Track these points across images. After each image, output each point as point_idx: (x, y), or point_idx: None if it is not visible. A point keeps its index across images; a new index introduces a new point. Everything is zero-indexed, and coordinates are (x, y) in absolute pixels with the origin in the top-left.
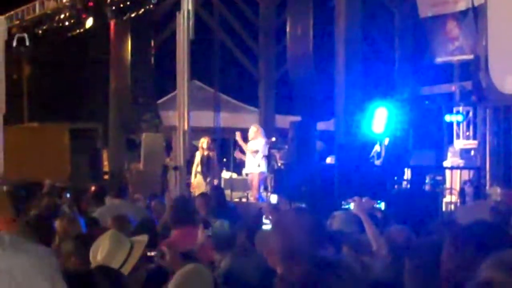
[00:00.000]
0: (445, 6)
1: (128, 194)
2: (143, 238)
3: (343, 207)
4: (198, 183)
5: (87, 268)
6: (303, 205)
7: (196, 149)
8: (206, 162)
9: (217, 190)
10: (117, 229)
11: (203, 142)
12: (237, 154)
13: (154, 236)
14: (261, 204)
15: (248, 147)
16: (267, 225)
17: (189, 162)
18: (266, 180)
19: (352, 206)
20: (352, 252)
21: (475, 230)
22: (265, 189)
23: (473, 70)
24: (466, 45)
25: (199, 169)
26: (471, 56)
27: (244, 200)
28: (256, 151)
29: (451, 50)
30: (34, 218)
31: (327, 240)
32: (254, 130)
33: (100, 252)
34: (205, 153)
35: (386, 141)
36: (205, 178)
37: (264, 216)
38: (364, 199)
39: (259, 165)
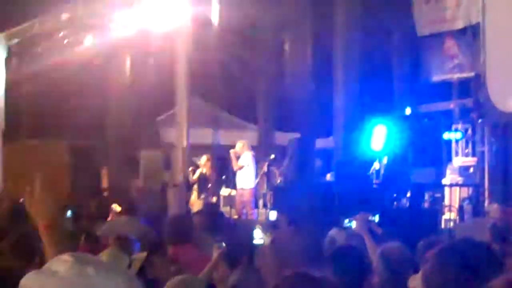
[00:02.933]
0: (443, 24)
1: (136, 211)
2: (142, 254)
3: (345, 225)
4: (193, 200)
5: None
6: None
7: (195, 165)
8: (202, 180)
9: (211, 208)
10: (118, 249)
11: (203, 159)
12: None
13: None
14: (259, 221)
15: (236, 163)
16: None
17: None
18: (265, 197)
19: (354, 224)
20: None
21: (459, 248)
22: (264, 206)
23: (473, 87)
24: (466, 62)
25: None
26: (471, 74)
27: (242, 217)
28: (242, 166)
29: (450, 68)
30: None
31: (323, 259)
32: (240, 146)
33: None
34: (203, 170)
35: (385, 160)
36: (199, 195)
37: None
38: (360, 214)
39: (249, 180)
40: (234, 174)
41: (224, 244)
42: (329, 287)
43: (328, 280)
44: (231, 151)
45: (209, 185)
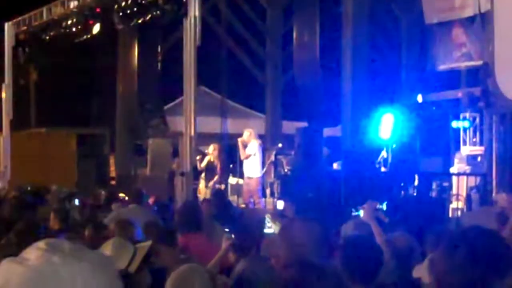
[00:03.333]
0: (451, 13)
1: (143, 200)
2: (147, 243)
3: (352, 214)
4: (201, 188)
5: None
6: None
7: (203, 154)
8: (209, 168)
9: (218, 196)
10: (119, 233)
11: (210, 148)
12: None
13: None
14: (266, 210)
15: (244, 152)
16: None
17: (195, 167)
18: (272, 186)
19: (361, 213)
20: None
21: (468, 235)
22: (272, 195)
23: (482, 76)
24: (474, 51)
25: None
26: (479, 62)
27: (249, 206)
28: (249, 155)
29: (458, 57)
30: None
31: (332, 249)
32: (247, 135)
33: None
34: (210, 159)
35: (393, 148)
36: (206, 183)
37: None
38: (367, 202)
39: (256, 169)
40: (241, 162)
41: (232, 235)
42: (333, 277)
43: (332, 270)
44: (239, 139)
45: (217, 173)
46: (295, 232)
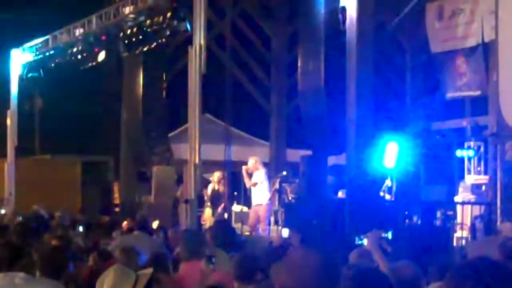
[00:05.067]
0: (455, 42)
1: (148, 227)
2: (149, 270)
3: (356, 242)
4: (207, 216)
5: None
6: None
7: (208, 182)
8: (215, 196)
9: (222, 224)
10: (124, 261)
11: (215, 175)
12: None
13: (166, 270)
14: (271, 238)
15: (249, 181)
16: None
17: (200, 195)
18: (277, 214)
19: (365, 242)
20: None
21: (477, 266)
22: (276, 222)
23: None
24: (473, 81)
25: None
26: (477, 92)
27: (254, 233)
28: (256, 183)
29: (460, 86)
30: (48, 250)
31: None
32: (252, 163)
33: (105, 285)
34: (215, 187)
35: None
36: (213, 211)
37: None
38: (372, 231)
39: (264, 196)
40: (246, 190)
41: (235, 260)
42: None
43: None
44: (243, 167)
45: (223, 201)
46: (299, 261)
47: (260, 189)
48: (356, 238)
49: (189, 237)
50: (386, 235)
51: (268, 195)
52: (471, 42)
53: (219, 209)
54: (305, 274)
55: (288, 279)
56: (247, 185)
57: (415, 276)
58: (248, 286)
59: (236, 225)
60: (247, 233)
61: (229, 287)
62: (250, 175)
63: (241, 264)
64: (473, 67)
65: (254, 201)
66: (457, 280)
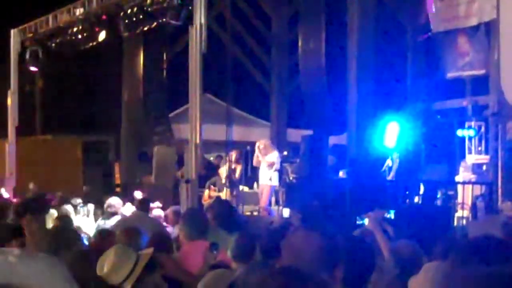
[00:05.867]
0: (456, 21)
1: (149, 207)
2: (149, 250)
3: (357, 222)
4: (210, 196)
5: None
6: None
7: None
8: (229, 175)
9: (223, 203)
10: (125, 241)
11: (232, 156)
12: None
13: (167, 250)
14: (271, 218)
15: (265, 160)
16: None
17: (205, 176)
18: (278, 194)
19: (366, 221)
20: None
21: (480, 244)
22: (277, 203)
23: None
24: (476, 60)
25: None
26: (482, 71)
27: (255, 213)
28: (272, 164)
29: (462, 65)
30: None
31: (338, 261)
32: (267, 144)
33: (106, 265)
34: (232, 166)
35: (396, 156)
36: (231, 191)
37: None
38: (375, 210)
39: (270, 178)
40: (247, 171)
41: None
42: (318, 285)
43: (318, 279)
44: (258, 145)
45: (236, 181)
46: (298, 242)
47: (271, 171)
48: (358, 218)
49: (192, 217)
50: (387, 215)
51: (276, 176)
52: (473, 21)
53: (235, 191)
54: (305, 254)
55: (289, 259)
56: (261, 164)
57: (416, 255)
58: (243, 265)
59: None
60: (248, 213)
61: (231, 267)
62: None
63: (240, 244)
64: (476, 46)
65: (263, 180)
66: (461, 259)
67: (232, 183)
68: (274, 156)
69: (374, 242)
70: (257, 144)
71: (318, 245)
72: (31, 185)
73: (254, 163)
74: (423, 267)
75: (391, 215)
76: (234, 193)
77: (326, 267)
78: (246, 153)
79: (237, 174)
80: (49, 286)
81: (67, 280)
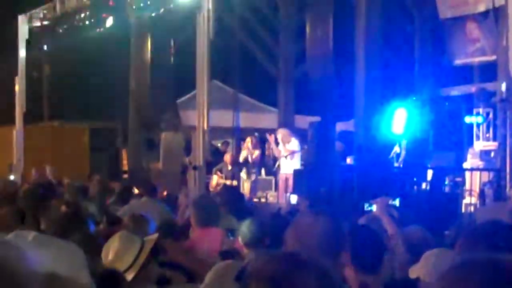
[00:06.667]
0: (465, 8)
1: (158, 193)
2: (154, 236)
3: (365, 209)
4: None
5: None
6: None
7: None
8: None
9: (231, 190)
10: (133, 227)
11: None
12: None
13: (176, 237)
14: (279, 205)
15: (286, 149)
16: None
17: (212, 163)
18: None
19: (374, 208)
20: None
21: (489, 229)
22: (285, 189)
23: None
24: (487, 46)
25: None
26: (493, 57)
27: (263, 200)
28: (293, 152)
29: (472, 52)
30: (60, 216)
31: (343, 246)
32: (285, 133)
33: (111, 252)
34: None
35: (404, 143)
36: (249, 176)
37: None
38: (381, 197)
39: (295, 166)
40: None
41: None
42: (317, 270)
43: (319, 264)
44: (279, 136)
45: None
46: (304, 225)
47: (295, 159)
48: (365, 204)
49: (204, 203)
50: (394, 202)
51: (299, 163)
52: (481, 7)
53: (254, 174)
54: (311, 238)
55: (295, 243)
56: (282, 153)
57: (425, 240)
58: (253, 251)
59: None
60: (256, 200)
61: (243, 253)
62: (277, 145)
63: (249, 230)
64: (486, 32)
65: (284, 169)
66: (470, 244)
67: (250, 168)
68: (294, 144)
69: (381, 228)
70: (279, 135)
71: (323, 229)
72: (33, 171)
73: (276, 154)
74: (423, 255)
75: (396, 202)
76: (253, 178)
77: (331, 252)
78: (261, 139)
79: (254, 157)
80: (63, 270)
81: (81, 266)
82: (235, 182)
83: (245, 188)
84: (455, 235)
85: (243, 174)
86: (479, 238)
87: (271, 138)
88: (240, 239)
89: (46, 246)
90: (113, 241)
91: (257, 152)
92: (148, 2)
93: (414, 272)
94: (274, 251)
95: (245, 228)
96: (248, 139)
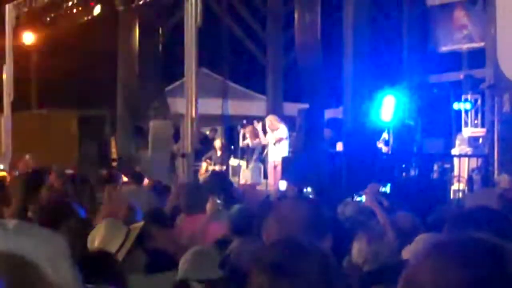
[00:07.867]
0: None
1: (143, 181)
2: (139, 223)
3: (355, 199)
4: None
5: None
6: (311, 193)
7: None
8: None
9: (218, 176)
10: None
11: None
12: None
13: (163, 225)
14: (267, 192)
15: (273, 137)
16: None
17: (201, 150)
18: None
19: (364, 198)
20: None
21: (475, 214)
22: (274, 176)
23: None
24: (475, 33)
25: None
26: (481, 44)
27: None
28: (281, 139)
29: (460, 38)
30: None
31: (326, 230)
32: (273, 120)
33: (97, 239)
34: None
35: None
36: (247, 163)
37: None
38: (370, 185)
39: (284, 153)
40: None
41: (231, 213)
42: (319, 256)
43: (319, 249)
44: (268, 122)
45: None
46: (286, 210)
47: (282, 145)
48: (354, 194)
49: (190, 191)
50: (384, 189)
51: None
52: None
53: (253, 161)
54: (292, 223)
55: (276, 230)
56: (270, 141)
57: (414, 226)
58: (239, 238)
59: (233, 179)
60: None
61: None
62: (265, 133)
63: (237, 217)
64: (474, 19)
65: (273, 157)
66: (456, 229)
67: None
68: (283, 130)
69: (370, 217)
70: (268, 123)
71: (305, 213)
72: (27, 157)
73: (263, 143)
74: (415, 239)
75: (387, 189)
76: (251, 165)
77: (314, 236)
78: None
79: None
80: (44, 259)
81: (62, 256)
82: (223, 168)
83: (245, 175)
84: (434, 220)
85: (242, 163)
86: (467, 223)
87: (258, 126)
88: (228, 227)
89: (26, 234)
90: (98, 228)
91: (255, 140)
92: None
93: (406, 253)
94: (259, 238)
95: (232, 215)
96: (248, 127)
